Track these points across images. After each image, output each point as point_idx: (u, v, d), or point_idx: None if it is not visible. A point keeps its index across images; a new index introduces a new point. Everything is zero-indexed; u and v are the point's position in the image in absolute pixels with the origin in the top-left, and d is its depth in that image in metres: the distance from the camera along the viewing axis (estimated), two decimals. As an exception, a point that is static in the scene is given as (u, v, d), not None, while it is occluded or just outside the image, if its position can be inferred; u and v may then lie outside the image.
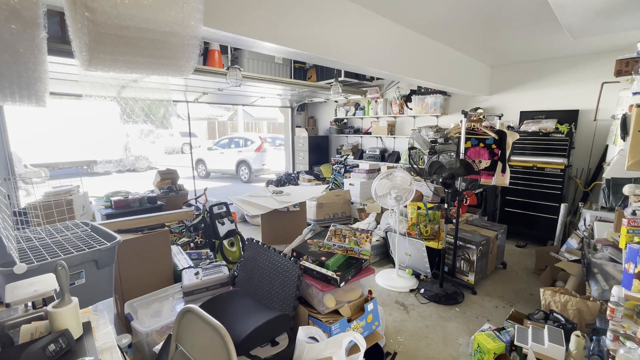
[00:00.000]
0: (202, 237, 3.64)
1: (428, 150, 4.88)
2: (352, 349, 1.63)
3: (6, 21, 1.18)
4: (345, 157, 6.36)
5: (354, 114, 6.66)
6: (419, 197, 4.07)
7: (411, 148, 5.54)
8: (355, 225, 4.32)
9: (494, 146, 3.25)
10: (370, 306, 1.95)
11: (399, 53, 3.09)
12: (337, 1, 2.42)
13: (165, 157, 13.89)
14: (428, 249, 3.19)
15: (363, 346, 1.51)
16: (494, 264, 3.43)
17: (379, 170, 5.55)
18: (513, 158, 4.17)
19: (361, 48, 2.69)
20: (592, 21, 2.27)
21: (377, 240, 3.77)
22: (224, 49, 4.00)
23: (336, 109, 7.02)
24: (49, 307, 0.97)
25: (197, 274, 2.31)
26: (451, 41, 3.57)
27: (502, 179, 3.26)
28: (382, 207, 4.63)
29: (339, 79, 5.10)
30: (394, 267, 3.34)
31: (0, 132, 3.28)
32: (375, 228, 4.30)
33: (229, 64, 3.55)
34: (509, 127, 4.16)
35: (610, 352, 1.59)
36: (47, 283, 1.08)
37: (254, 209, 3.19)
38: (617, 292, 1.66)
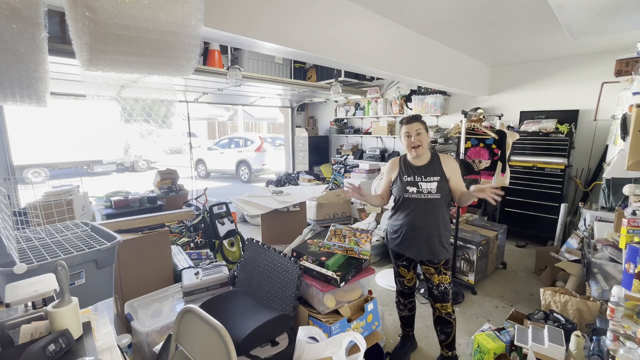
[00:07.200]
0: (202, 237, 3.64)
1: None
2: (352, 349, 1.63)
3: (7, 20, 1.17)
4: (345, 157, 6.35)
5: (354, 114, 6.65)
6: (419, 197, 4.06)
7: (411, 148, 5.53)
8: (355, 225, 4.32)
9: (494, 146, 3.25)
10: (370, 306, 1.95)
11: (399, 53, 3.09)
12: (338, 1, 2.42)
13: (165, 157, 13.87)
14: (428, 249, 3.18)
15: (363, 346, 1.51)
16: (494, 264, 3.43)
17: (379, 170, 5.55)
18: (513, 158, 4.17)
19: (361, 48, 2.68)
20: (592, 21, 2.26)
21: (377, 240, 3.77)
22: (224, 49, 3.99)
23: (336, 109, 7.02)
24: (49, 307, 0.97)
25: (197, 274, 2.31)
26: (451, 41, 3.57)
27: (502, 179, 3.26)
28: (382, 207, 4.62)
29: (339, 79, 5.09)
30: (394, 267, 3.33)
31: (1, 132, 3.28)
32: (375, 228, 4.30)
33: (229, 64, 3.55)
34: (509, 127, 4.16)
35: (610, 352, 1.59)
36: (47, 283, 1.08)
37: (254, 209, 3.19)
38: (617, 292, 1.65)
